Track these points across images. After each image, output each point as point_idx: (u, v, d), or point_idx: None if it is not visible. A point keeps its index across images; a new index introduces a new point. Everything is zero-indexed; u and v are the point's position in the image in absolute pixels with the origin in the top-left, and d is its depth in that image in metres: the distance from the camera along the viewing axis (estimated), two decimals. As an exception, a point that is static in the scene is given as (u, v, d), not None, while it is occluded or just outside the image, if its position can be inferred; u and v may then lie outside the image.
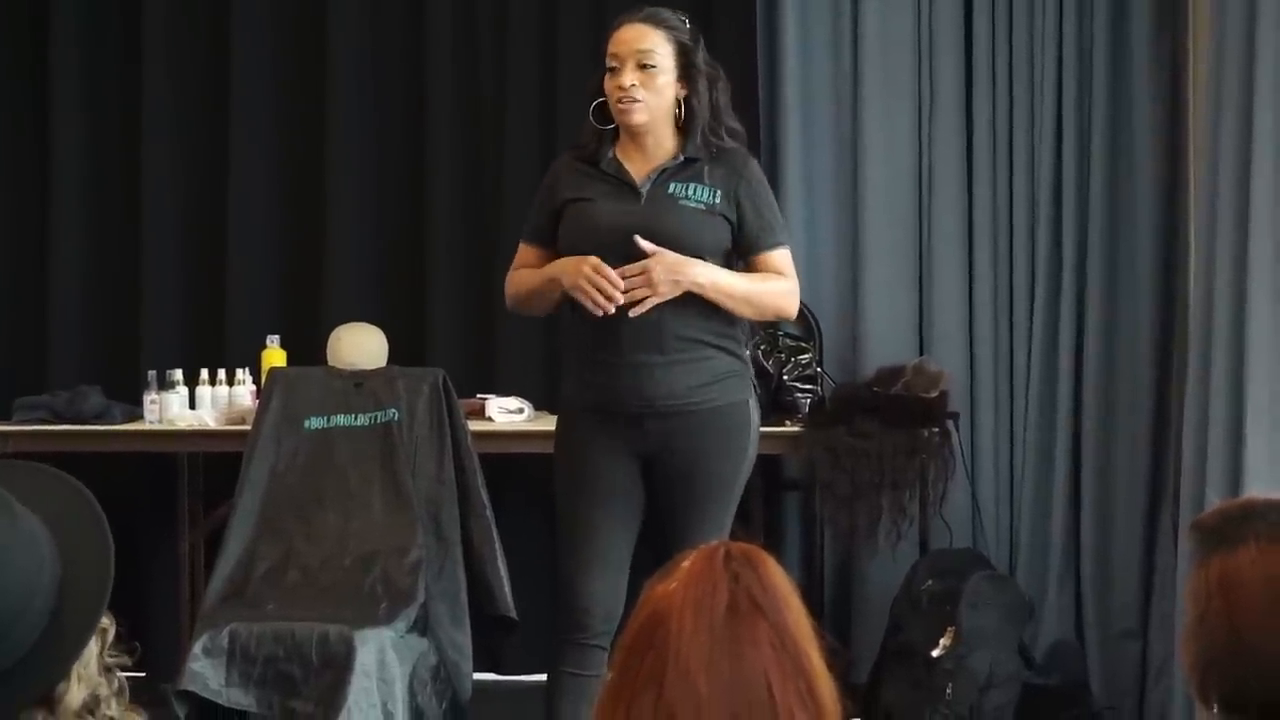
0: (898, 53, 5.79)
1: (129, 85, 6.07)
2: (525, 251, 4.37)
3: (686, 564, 1.93)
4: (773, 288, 4.28)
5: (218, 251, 6.05)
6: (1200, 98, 5.36)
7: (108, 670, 1.90)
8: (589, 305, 4.13)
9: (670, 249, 4.15)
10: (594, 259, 4.15)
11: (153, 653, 5.35)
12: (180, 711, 4.78)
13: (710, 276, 4.18)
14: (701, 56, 4.26)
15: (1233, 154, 5.02)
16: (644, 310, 4.13)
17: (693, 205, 4.23)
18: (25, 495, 1.87)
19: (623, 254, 4.15)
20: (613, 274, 4.12)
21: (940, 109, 5.78)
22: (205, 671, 4.78)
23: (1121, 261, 5.64)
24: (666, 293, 4.14)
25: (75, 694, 1.85)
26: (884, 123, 5.79)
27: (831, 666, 1.93)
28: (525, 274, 4.35)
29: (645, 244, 4.14)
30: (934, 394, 5.48)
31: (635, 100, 4.19)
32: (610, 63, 4.23)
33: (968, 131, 5.78)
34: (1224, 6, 5.06)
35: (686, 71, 4.23)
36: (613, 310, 4.13)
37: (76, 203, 6.10)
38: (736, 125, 4.32)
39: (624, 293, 4.12)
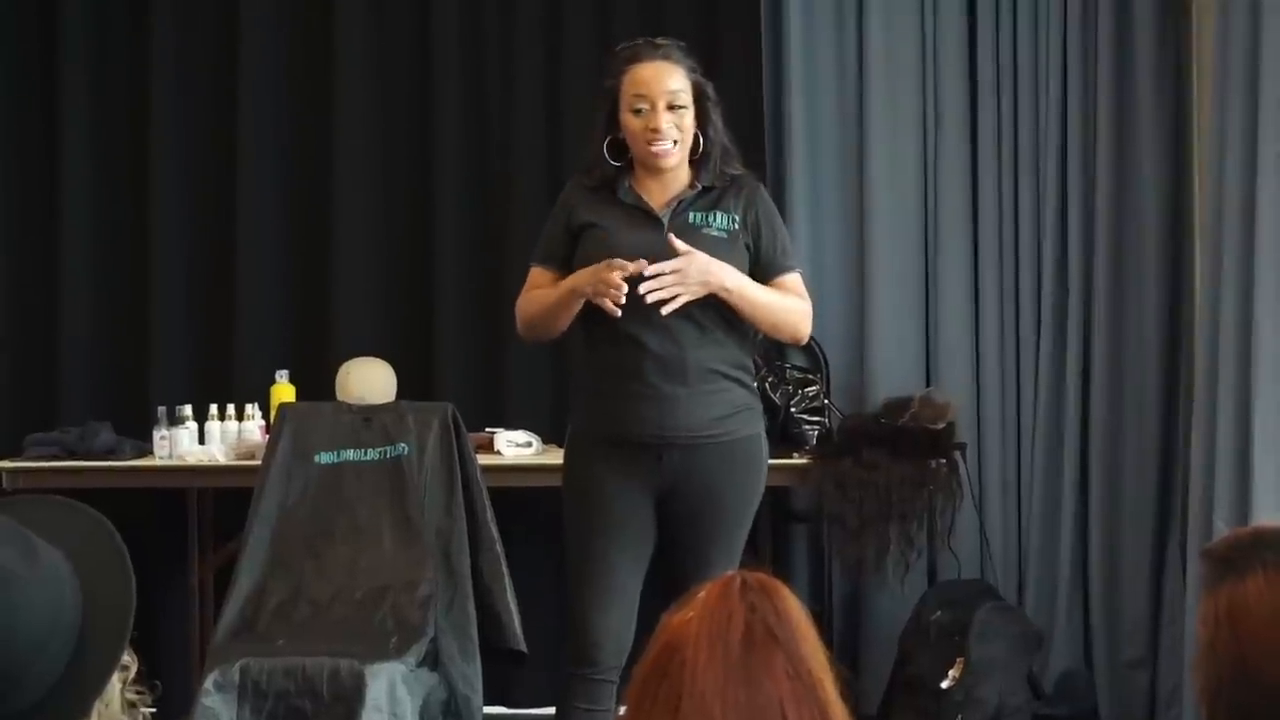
0: (902, 75, 5.79)
1: (137, 118, 6.07)
2: (538, 274, 4.33)
3: (702, 594, 1.94)
4: (792, 305, 4.29)
5: (226, 287, 6.05)
6: (1205, 123, 5.37)
7: (131, 706, 1.90)
8: (609, 307, 4.10)
9: None
10: (611, 260, 4.12)
11: (164, 688, 5.32)
12: (192, 747, 4.78)
13: (737, 282, 4.18)
14: (710, 88, 4.28)
15: (1237, 177, 5.04)
16: (674, 308, 4.11)
17: (715, 233, 4.23)
18: (48, 529, 1.86)
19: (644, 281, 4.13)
20: (624, 268, 4.09)
21: (945, 131, 5.79)
22: (217, 707, 4.78)
23: (1128, 287, 5.65)
24: (698, 292, 4.12)
25: None
26: (889, 146, 5.79)
27: (845, 697, 1.94)
28: (540, 292, 4.30)
29: (679, 244, 4.13)
30: (941, 425, 5.49)
31: (669, 145, 4.21)
32: (638, 104, 4.21)
33: (973, 155, 5.79)
34: (1227, 18, 5.07)
35: (700, 105, 4.26)
36: (623, 301, 4.09)
37: (85, 239, 6.09)
38: (732, 146, 4.34)
39: (653, 291, 4.09)
